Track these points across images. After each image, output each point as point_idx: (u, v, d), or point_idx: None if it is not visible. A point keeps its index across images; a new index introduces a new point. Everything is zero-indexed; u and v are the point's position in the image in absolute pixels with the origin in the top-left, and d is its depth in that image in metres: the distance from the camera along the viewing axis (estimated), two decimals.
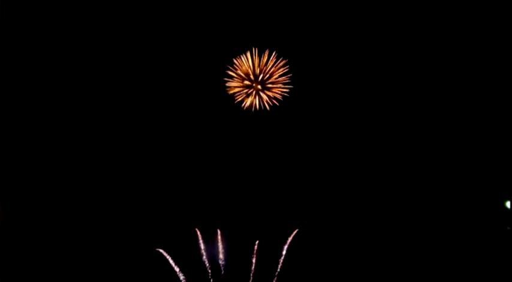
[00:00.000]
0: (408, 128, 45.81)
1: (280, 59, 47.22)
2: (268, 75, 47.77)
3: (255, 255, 43.63)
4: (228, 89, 47.30)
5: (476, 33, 44.32)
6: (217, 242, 43.56)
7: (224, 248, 43.35)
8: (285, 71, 47.07)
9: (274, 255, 43.97)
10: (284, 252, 43.61)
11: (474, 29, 44.21)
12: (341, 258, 44.01)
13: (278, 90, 47.31)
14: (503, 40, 43.70)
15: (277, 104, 46.95)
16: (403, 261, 43.40)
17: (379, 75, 46.27)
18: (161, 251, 41.34)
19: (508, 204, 43.72)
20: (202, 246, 42.93)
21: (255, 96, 47.17)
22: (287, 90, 46.70)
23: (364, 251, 44.02)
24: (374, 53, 45.76)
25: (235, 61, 47.47)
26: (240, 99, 47.17)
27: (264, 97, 47.12)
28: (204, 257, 42.90)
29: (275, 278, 42.93)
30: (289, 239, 43.74)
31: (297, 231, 43.93)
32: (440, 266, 43.41)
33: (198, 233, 42.98)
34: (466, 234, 43.76)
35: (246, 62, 47.03)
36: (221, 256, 43.27)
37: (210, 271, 42.95)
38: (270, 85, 47.47)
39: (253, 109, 47.02)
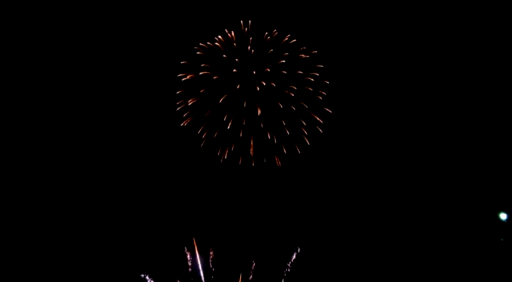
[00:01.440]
0: (403, 140, 43.37)
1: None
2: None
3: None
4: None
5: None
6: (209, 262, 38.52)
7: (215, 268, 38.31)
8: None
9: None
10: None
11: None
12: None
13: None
14: (503, 40, 41.88)
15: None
16: (400, 269, 41.98)
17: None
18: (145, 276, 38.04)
19: (501, 215, 44.49)
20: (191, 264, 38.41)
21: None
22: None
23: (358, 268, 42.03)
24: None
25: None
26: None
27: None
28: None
29: None
30: (291, 259, 35.80)
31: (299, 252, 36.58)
32: (434, 277, 42.18)
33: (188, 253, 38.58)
34: (460, 245, 43.01)
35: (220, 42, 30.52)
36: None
37: None
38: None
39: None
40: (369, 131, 39.01)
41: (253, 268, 38.06)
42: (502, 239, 43.07)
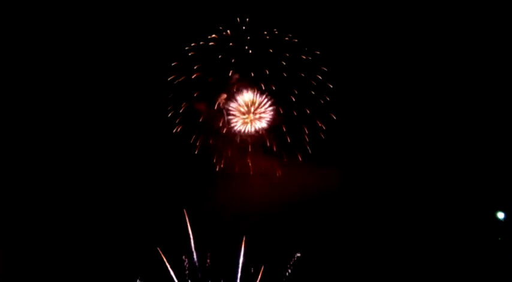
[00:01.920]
0: (406, 141, 42.46)
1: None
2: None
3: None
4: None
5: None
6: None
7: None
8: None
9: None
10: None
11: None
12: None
13: None
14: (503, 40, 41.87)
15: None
16: (399, 269, 41.57)
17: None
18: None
19: (499, 215, 44.20)
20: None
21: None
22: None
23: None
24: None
25: None
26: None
27: None
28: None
29: None
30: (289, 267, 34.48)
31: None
32: (433, 277, 41.81)
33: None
34: (458, 244, 42.59)
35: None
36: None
37: None
38: None
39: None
40: (374, 137, 37.47)
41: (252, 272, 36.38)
42: (499, 238, 42.90)
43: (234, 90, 30.85)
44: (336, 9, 32.02)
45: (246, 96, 30.62)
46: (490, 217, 43.11)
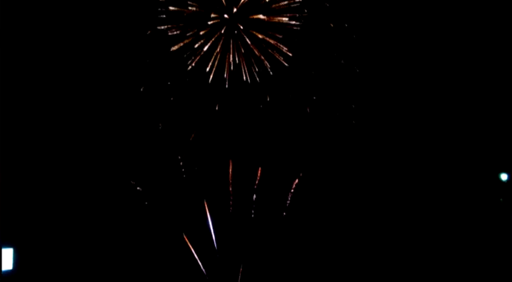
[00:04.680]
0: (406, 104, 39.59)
1: None
2: None
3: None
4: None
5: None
6: None
7: None
8: None
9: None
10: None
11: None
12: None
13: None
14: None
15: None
16: (395, 236, 41.16)
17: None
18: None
19: (502, 176, 44.07)
20: None
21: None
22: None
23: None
24: None
25: None
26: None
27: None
28: None
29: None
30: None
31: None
32: (431, 239, 42.43)
33: None
34: (460, 205, 41.98)
35: None
36: None
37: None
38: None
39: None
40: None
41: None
42: (501, 199, 43.82)
43: None
44: None
45: None
46: (493, 178, 42.56)
